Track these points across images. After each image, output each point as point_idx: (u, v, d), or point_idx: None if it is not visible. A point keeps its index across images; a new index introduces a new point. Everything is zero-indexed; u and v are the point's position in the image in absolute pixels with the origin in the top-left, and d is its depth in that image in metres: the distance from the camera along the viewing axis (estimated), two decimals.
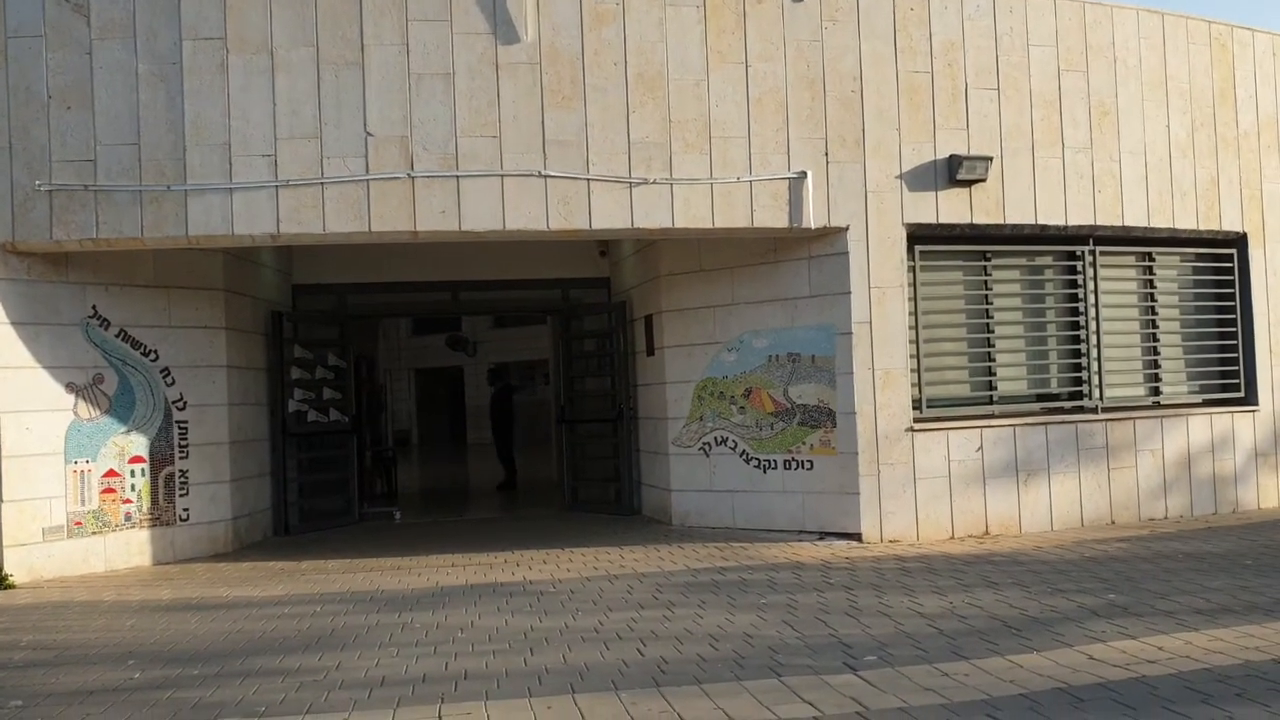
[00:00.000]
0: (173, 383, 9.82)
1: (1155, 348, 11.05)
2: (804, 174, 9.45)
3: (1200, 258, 11.31)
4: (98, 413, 9.38)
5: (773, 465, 10.10)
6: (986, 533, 9.93)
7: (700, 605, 7.24)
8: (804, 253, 9.90)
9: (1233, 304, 11.30)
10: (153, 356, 9.71)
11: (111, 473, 9.45)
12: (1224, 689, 5.01)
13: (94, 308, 9.37)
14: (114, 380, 9.48)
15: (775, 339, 10.08)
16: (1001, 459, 10.03)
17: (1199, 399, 11.21)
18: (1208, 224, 10.99)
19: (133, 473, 9.59)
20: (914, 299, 9.98)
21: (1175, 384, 11.17)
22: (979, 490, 9.95)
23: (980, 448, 9.97)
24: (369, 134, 8.75)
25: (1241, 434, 11.10)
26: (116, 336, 9.49)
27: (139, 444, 9.63)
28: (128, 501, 9.55)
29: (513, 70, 8.96)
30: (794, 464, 9.97)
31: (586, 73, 9.07)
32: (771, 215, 9.39)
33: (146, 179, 8.58)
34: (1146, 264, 11.05)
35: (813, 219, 9.47)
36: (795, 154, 9.47)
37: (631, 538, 10.21)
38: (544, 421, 22.73)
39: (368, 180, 8.73)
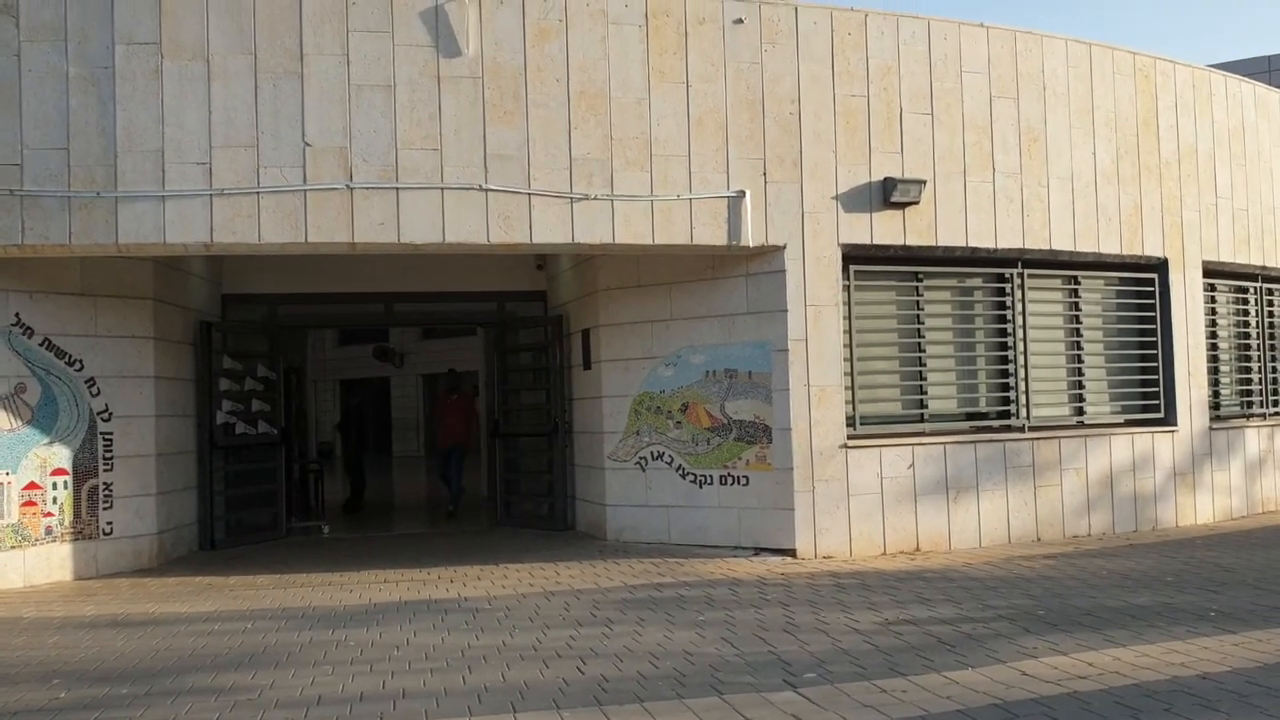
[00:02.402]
0: (98, 393, 9.59)
1: (1080, 369, 11.33)
2: (743, 193, 9.54)
3: (1123, 282, 11.63)
4: (19, 423, 9.11)
5: (709, 480, 10.15)
6: (918, 549, 10.09)
7: (639, 622, 7.24)
8: (742, 270, 9.99)
9: (1154, 327, 11.63)
10: (78, 366, 9.47)
11: (32, 485, 9.18)
12: (1153, 704, 5.15)
13: (17, 315, 9.11)
14: (37, 390, 9.22)
15: (713, 355, 10.15)
16: (932, 476, 10.20)
17: (1121, 419, 11.51)
18: (1131, 249, 11.31)
19: (55, 485, 9.32)
20: (848, 318, 10.12)
21: (1098, 404, 11.46)
22: (910, 507, 10.10)
23: (912, 465, 10.13)
24: (307, 144, 8.64)
25: (1161, 454, 11.42)
26: (40, 345, 9.24)
27: (62, 456, 9.37)
28: (49, 515, 9.29)
29: (454, 84, 8.92)
30: (730, 479, 10.04)
31: (529, 88, 9.06)
32: (711, 233, 9.47)
33: (75, 185, 8.37)
34: (1072, 287, 11.33)
35: (751, 237, 9.56)
36: (734, 173, 9.57)
37: (567, 553, 10.18)
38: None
39: (305, 190, 8.62)
